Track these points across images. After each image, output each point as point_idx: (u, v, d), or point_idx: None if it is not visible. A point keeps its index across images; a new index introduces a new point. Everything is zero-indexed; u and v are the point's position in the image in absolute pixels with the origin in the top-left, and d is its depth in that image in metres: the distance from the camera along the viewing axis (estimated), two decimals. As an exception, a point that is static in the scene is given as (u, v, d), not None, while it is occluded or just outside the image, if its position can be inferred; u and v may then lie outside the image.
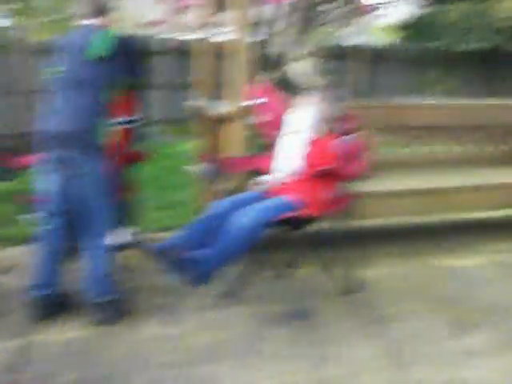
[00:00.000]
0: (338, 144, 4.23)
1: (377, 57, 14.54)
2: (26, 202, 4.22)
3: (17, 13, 8.88)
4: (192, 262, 3.75)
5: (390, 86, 14.30)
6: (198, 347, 3.69)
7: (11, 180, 4.67)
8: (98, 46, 3.74)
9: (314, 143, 4.18)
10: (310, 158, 4.11)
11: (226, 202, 4.17)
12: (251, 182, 4.45)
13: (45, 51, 10.55)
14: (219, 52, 5.38)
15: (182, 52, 12.71)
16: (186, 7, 10.64)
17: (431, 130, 6.14)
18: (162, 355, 3.58)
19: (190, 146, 9.06)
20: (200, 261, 3.78)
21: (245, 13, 4.74)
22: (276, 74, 11.13)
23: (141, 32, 13.49)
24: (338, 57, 14.25)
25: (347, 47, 15.58)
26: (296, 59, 13.24)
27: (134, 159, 4.56)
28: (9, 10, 9.04)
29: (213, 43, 5.56)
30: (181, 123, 13.00)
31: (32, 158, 4.27)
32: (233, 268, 4.31)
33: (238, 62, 4.71)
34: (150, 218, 5.67)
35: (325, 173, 4.04)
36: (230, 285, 4.37)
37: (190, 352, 3.63)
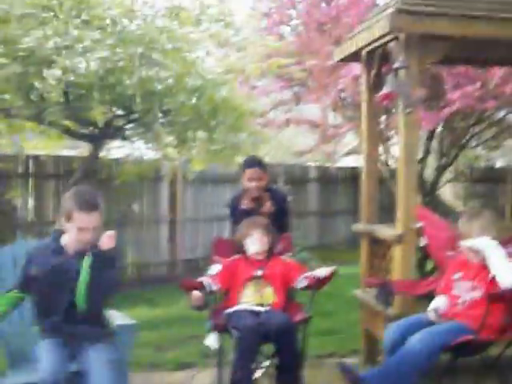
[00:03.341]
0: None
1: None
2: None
3: (175, 145, 9.34)
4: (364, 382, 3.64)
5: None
6: None
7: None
8: None
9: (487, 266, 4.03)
10: (488, 281, 3.95)
11: (397, 326, 4.06)
12: (424, 306, 4.30)
13: (205, 181, 11.10)
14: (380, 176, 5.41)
15: (330, 179, 13.00)
16: (335, 136, 10.94)
17: None
18: None
19: (349, 270, 8.99)
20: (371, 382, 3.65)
21: (415, 137, 4.75)
22: (430, 197, 11.04)
23: (292, 160, 13.96)
24: (489, 179, 14.03)
25: (497, 169, 15.31)
26: (447, 183, 12.92)
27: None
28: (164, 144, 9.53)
29: (374, 168, 5.59)
30: (335, 248, 13.08)
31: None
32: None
33: (405, 184, 4.68)
34: (313, 343, 5.55)
35: (502, 295, 3.85)
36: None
37: None
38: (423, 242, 4.89)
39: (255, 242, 4.68)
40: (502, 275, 3.93)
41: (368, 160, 5.55)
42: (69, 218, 3.63)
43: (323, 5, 9.48)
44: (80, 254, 3.66)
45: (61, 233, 3.76)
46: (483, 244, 4.06)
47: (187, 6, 7.14)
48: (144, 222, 10.36)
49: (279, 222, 5.09)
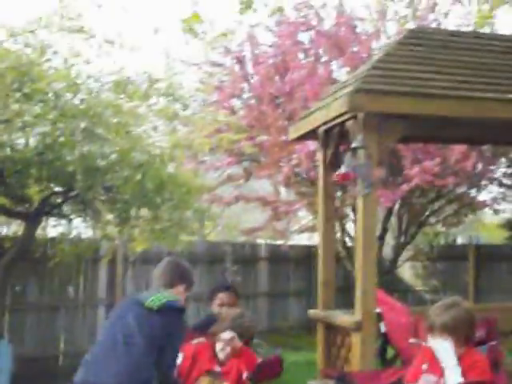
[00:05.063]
0: (482, 355, 4.09)
1: (490, 255, 14.34)
2: None
3: (117, 224, 9.27)
4: None
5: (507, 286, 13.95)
6: None
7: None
8: None
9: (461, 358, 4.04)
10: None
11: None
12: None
13: (147, 261, 10.97)
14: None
15: (282, 258, 13.00)
16: (288, 212, 11.03)
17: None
18: None
19: (303, 357, 8.92)
20: None
21: (374, 221, 4.83)
22: (388, 276, 11.13)
23: (241, 238, 13.96)
24: (449, 256, 14.18)
25: (458, 246, 15.53)
26: (406, 261, 13.07)
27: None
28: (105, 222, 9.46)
29: (332, 249, 5.64)
30: (287, 333, 12.97)
31: None
32: None
33: (364, 269, 4.73)
34: None
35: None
36: None
37: None
38: (383, 328, 4.91)
39: (220, 351, 4.68)
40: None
41: (325, 241, 5.58)
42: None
43: (277, 78, 9.70)
44: None
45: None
46: (437, 347, 4.10)
47: (135, 79, 7.20)
48: (79, 305, 10.13)
49: None
